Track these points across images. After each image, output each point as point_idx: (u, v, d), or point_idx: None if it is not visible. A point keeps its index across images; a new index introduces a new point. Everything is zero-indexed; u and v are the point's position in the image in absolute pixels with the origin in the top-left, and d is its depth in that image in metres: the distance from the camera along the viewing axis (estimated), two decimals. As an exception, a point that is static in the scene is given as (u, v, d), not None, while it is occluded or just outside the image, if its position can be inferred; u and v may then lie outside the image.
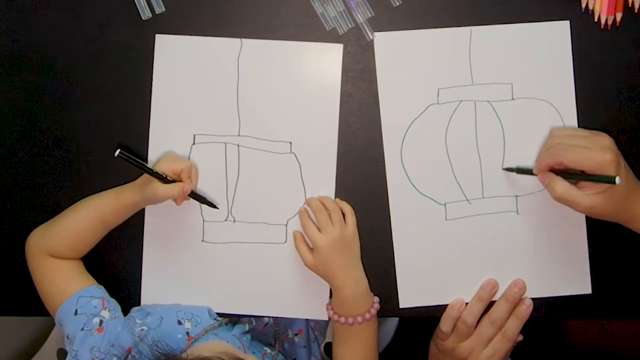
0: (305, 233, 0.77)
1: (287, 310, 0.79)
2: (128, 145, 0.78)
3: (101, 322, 0.72)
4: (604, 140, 0.69)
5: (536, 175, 0.73)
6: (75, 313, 0.72)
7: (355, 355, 0.75)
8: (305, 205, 0.78)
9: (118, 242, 0.79)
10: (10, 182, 0.80)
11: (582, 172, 0.69)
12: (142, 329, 0.72)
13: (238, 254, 0.79)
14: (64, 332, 0.73)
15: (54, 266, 0.75)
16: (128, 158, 0.71)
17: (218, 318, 0.78)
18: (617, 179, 0.64)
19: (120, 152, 0.70)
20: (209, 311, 0.78)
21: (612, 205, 0.68)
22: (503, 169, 0.77)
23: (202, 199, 0.77)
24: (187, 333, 0.73)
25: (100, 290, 0.75)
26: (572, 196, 0.69)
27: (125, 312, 0.77)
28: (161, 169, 0.73)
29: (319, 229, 0.75)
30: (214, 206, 0.77)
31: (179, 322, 0.74)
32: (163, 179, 0.72)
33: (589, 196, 0.68)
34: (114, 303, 0.75)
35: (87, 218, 0.75)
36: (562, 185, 0.69)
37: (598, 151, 0.67)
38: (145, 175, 0.74)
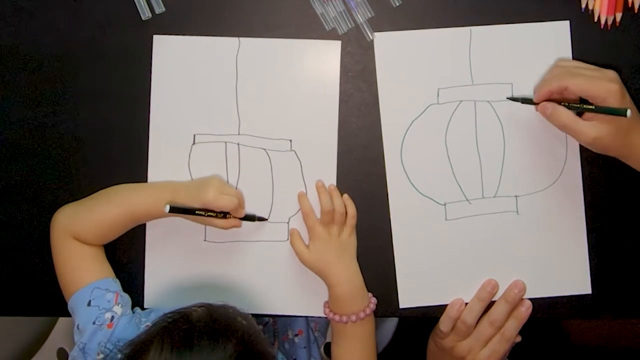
0: (305, 220, 0.77)
1: (290, 308, 0.79)
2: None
3: (112, 317, 0.71)
4: (610, 73, 0.69)
5: (537, 104, 0.73)
6: (89, 304, 0.72)
7: (352, 355, 0.75)
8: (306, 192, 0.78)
9: (120, 242, 0.79)
10: (9, 182, 0.80)
11: (586, 103, 0.68)
12: (147, 326, 0.72)
13: (240, 252, 0.79)
14: (74, 321, 0.73)
15: (77, 251, 0.74)
16: (179, 211, 0.72)
17: None
18: (629, 112, 0.64)
19: (170, 208, 0.71)
20: None
21: (615, 138, 0.68)
22: (507, 98, 0.76)
23: (252, 219, 0.77)
24: None
25: (116, 284, 0.75)
26: (578, 124, 0.69)
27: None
28: (212, 202, 0.72)
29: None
30: (265, 219, 0.78)
31: None
32: (216, 216, 0.73)
33: (595, 126, 0.68)
34: (126, 298, 0.75)
35: (119, 211, 0.75)
36: (566, 114, 0.69)
37: (604, 80, 0.67)
38: (189, 191, 0.74)
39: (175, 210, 0.71)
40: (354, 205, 0.77)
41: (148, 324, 0.71)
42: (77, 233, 0.74)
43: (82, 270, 0.74)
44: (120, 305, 0.73)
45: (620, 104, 0.66)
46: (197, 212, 0.72)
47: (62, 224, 0.75)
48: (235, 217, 0.75)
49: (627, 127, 0.68)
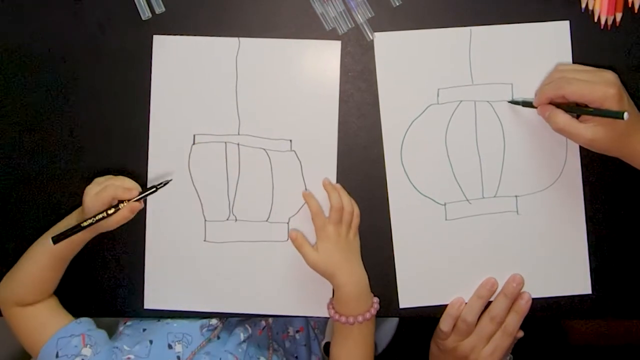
0: (314, 220, 0.76)
1: (290, 308, 0.79)
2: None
3: None
4: (608, 75, 0.69)
5: (536, 107, 0.73)
6: (57, 356, 0.71)
7: (352, 355, 0.75)
8: (310, 192, 0.78)
9: (120, 243, 0.79)
10: (9, 182, 0.80)
11: (586, 106, 0.68)
12: (129, 358, 0.72)
13: (240, 253, 0.79)
14: None
15: (26, 314, 0.74)
16: (65, 236, 0.70)
17: (213, 322, 0.78)
18: (626, 115, 0.64)
19: (54, 239, 0.70)
20: (201, 326, 0.77)
21: (613, 139, 0.68)
22: (508, 101, 0.77)
23: (152, 189, 0.73)
24: (178, 357, 0.73)
25: (80, 326, 0.75)
26: (574, 128, 0.69)
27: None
28: (94, 208, 0.71)
29: None
30: (166, 183, 0.74)
31: (170, 347, 0.74)
32: (108, 216, 0.71)
33: (591, 128, 0.68)
34: (96, 336, 0.74)
35: (46, 261, 0.74)
36: (563, 117, 0.69)
37: (601, 85, 0.67)
38: (80, 209, 0.73)
39: (62, 237, 0.70)
40: (357, 206, 0.77)
41: (130, 356, 0.71)
42: (19, 299, 0.74)
43: (40, 329, 0.74)
44: (89, 346, 0.72)
45: (619, 107, 0.66)
46: (82, 224, 0.70)
47: (4, 298, 0.75)
48: (131, 202, 0.71)
49: (626, 129, 0.68)
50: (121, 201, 0.72)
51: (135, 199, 0.72)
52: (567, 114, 0.70)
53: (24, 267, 0.75)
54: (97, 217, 0.71)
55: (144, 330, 0.77)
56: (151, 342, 0.74)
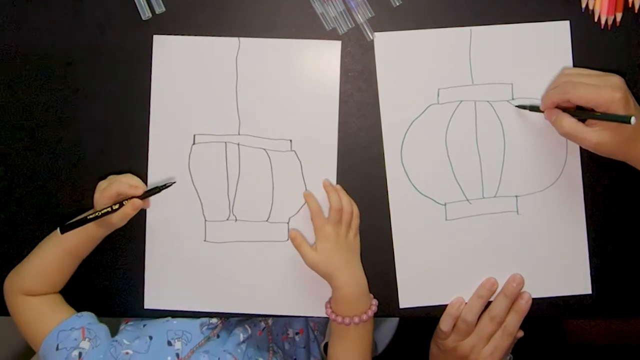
0: (313, 220, 0.76)
1: (290, 308, 0.79)
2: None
3: (80, 354, 0.71)
4: (614, 79, 0.69)
5: (543, 112, 0.73)
6: (57, 348, 0.72)
7: (349, 355, 0.75)
8: (311, 192, 0.78)
9: (120, 243, 0.79)
10: (9, 182, 0.80)
11: (592, 110, 0.68)
12: (127, 353, 0.72)
13: (240, 253, 0.79)
14: None
15: (31, 305, 0.75)
16: (73, 227, 0.72)
17: (213, 321, 0.78)
18: (633, 119, 0.63)
19: (63, 229, 0.71)
20: (201, 325, 0.78)
21: (619, 143, 0.68)
22: (515, 105, 0.77)
23: (155, 190, 0.75)
24: (177, 355, 0.73)
25: (81, 319, 0.75)
26: (580, 132, 0.69)
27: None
28: (101, 202, 0.73)
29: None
30: (170, 185, 0.75)
31: (169, 343, 0.74)
32: (112, 211, 0.72)
33: (597, 132, 0.68)
34: (96, 330, 0.74)
35: (55, 253, 0.75)
36: (569, 121, 0.69)
37: (607, 89, 0.67)
38: (94, 203, 0.74)
39: (69, 227, 0.72)
40: (356, 206, 0.77)
41: (129, 351, 0.72)
42: (27, 288, 0.75)
43: (43, 319, 0.74)
44: (87, 339, 0.73)
45: (625, 111, 0.66)
46: (88, 217, 0.72)
47: (10, 286, 0.76)
48: (133, 199, 0.73)
49: (632, 133, 0.67)
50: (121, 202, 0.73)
51: (138, 196, 0.73)
52: (573, 118, 0.69)
53: (34, 257, 0.76)
54: (102, 212, 0.72)
55: (144, 325, 0.78)
56: (151, 337, 0.74)
